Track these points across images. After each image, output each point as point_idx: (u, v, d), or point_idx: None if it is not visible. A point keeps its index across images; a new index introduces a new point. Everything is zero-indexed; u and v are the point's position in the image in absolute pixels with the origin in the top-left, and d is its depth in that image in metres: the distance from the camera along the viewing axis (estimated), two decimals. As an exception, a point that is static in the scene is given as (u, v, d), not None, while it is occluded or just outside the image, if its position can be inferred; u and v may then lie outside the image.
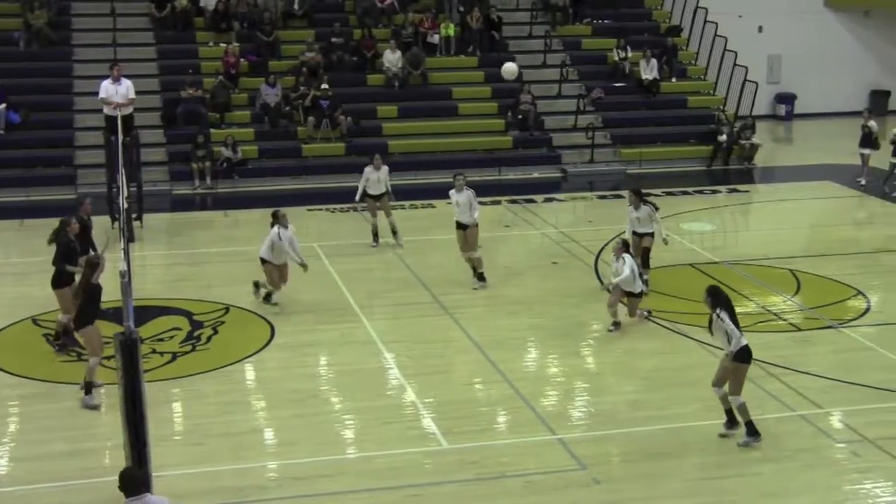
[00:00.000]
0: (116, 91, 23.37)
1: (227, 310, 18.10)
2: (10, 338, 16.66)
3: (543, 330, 17.44)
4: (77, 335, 15.03)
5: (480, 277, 19.20)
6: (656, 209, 18.84)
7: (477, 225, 19.30)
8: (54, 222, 23.86)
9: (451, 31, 32.03)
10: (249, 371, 15.89)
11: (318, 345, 16.75)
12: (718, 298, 13.22)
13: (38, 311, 17.76)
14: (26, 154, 27.45)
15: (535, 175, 29.14)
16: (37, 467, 12.79)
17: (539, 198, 26.60)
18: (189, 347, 16.49)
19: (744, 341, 13.09)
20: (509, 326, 17.50)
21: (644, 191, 19.59)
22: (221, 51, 30.10)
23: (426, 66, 31.12)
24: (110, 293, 16.09)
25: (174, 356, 16.17)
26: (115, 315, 15.40)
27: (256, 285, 18.36)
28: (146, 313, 17.07)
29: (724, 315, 13.01)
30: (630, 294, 17.14)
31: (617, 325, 17.11)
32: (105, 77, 23.95)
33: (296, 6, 32.09)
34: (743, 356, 13.09)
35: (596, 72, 32.51)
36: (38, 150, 27.72)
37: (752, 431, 13.23)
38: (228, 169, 27.34)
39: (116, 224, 21.82)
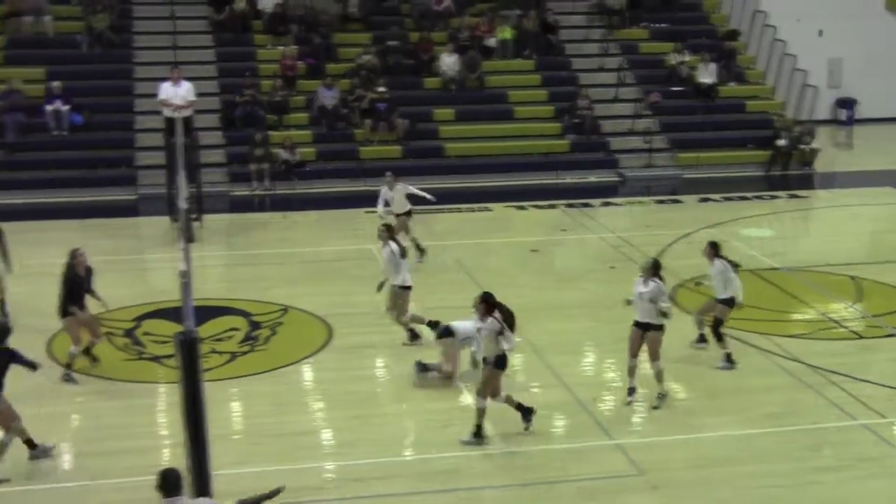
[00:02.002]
0: (176, 93, 23.60)
1: (285, 311, 18.20)
2: (64, 337, 16.82)
3: (600, 334, 17.35)
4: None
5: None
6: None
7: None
8: (115, 222, 24.36)
9: (508, 35, 31.99)
10: (307, 372, 15.96)
11: (376, 347, 16.78)
12: None
13: (99, 310, 17.93)
14: (88, 155, 27.78)
15: (592, 179, 29.04)
16: (97, 463, 12.93)
17: (596, 202, 26.50)
18: (247, 348, 16.60)
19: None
20: (566, 330, 17.45)
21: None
22: (279, 53, 30.30)
23: (483, 70, 31.12)
24: (171, 293, 16.28)
25: (233, 356, 16.29)
26: (176, 315, 15.55)
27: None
28: (206, 313, 17.17)
29: None
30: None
31: (703, 338, 16.57)
32: (165, 79, 24.20)
33: (353, 9, 32.20)
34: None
35: (653, 76, 32.33)
36: (100, 151, 28.05)
37: None
38: (286, 171, 27.50)
39: (176, 224, 22.04)
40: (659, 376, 14.64)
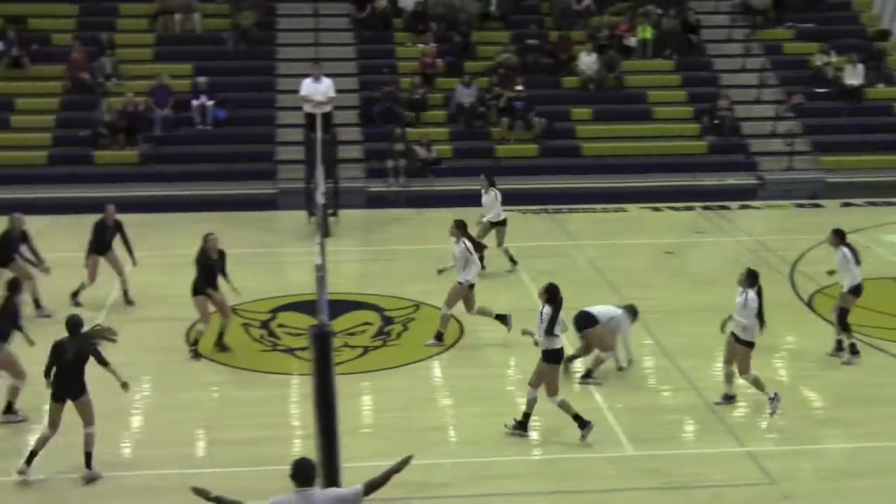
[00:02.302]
0: (317, 89, 23.98)
1: (417, 307, 18.35)
2: (212, 326, 17.23)
3: (735, 339, 17.05)
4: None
5: None
6: None
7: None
8: (255, 216, 24.87)
9: (648, 34, 31.67)
10: (437, 368, 16.07)
11: (506, 345, 16.79)
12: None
13: (237, 301, 18.33)
14: (230, 149, 28.45)
15: (730, 181, 28.57)
16: (231, 451, 13.23)
17: (734, 205, 26.07)
18: (380, 342, 16.79)
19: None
20: (699, 334, 17.16)
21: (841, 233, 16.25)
22: (419, 51, 30.55)
23: (622, 69, 30.88)
24: (306, 286, 16.56)
25: (365, 350, 16.50)
26: (310, 308, 15.84)
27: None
28: (339, 307, 17.42)
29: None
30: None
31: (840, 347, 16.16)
32: (307, 76, 24.62)
33: (493, 8, 32.29)
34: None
35: (797, 77, 31.65)
36: (242, 145, 28.71)
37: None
38: (423, 168, 27.70)
39: (313, 219, 22.41)
40: (755, 384, 14.30)
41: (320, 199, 18.02)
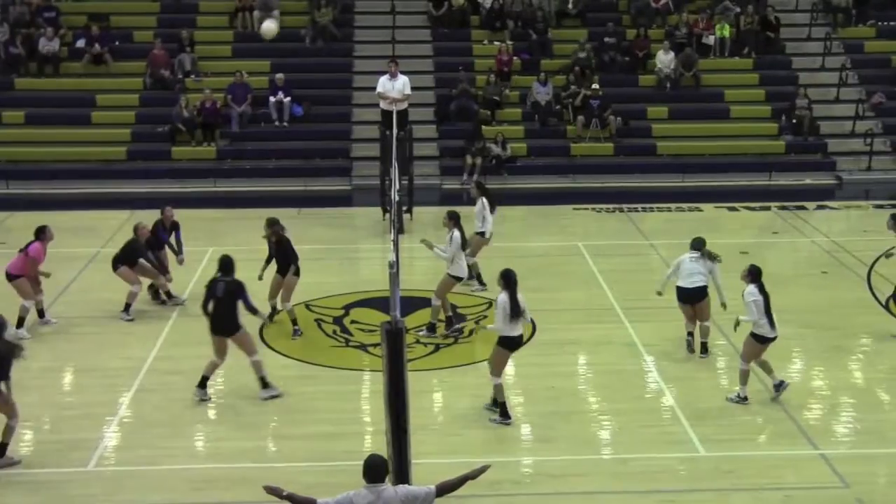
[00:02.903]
0: (393, 86, 24.08)
1: (490, 305, 18.35)
2: (283, 321, 17.43)
3: (809, 341, 16.89)
4: None
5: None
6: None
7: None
8: (329, 212, 25.06)
9: (727, 32, 31.35)
10: (509, 366, 15.99)
11: (579, 343, 16.77)
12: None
13: (310, 297, 18.53)
14: (306, 146, 28.68)
15: (808, 181, 28.19)
16: (302, 446, 13.37)
17: (811, 205, 25.72)
18: (452, 340, 16.83)
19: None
20: (774, 336, 16.99)
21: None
22: (495, 49, 30.56)
23: (699, 68, 30.60)
24: (379, 283, 16.66)
25: (437, 347, 16.56)
26: (383, 304, 15.94)
27: None
28: (412, 304, 17.51)
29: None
30: None
31: None
32: (383, 73, 24.74)
33: (570, 5, 32.20)
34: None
35: (878, 76, 31.12)
36: (318, 141, 28.92)
37: None
38: (497, 165, 27.71)
39: (388, 215, 22.52)
40: (742, 375, 14.59)
41: (395, 195, 18.10)
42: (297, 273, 16.99)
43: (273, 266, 17.24)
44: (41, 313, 17.39)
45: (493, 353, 14.08)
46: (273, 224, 17.12)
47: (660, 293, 16.34)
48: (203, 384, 14.64)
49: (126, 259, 17.76)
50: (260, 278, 17.07)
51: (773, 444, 13.56)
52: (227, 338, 14.51)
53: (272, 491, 9.22)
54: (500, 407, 14.07)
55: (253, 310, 14.71)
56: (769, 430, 13.90)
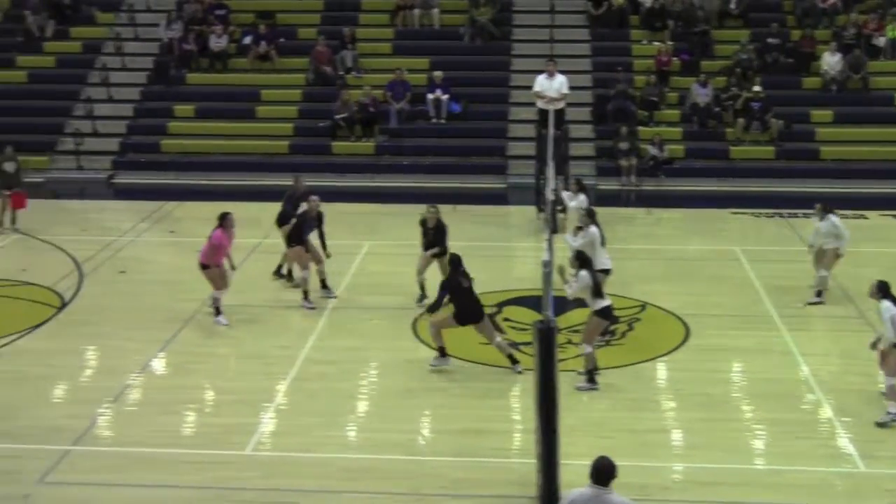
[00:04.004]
0: (550, 86, 24.06)
1: (643, 307, 18.22)
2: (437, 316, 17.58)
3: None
4: None
5: None
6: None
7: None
8: (484, 209, 25.18)
9: (899, 34, 30.40)
10: (661, 370, 15.91)
11: (733, 350, 16.50)
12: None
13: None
14: (463, 143, 28.88)
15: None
16: (451, 441, 13.48)
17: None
18: (603, 342, 16.73)
19: None
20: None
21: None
22: (654, 49, 30.25)
23: (868, 70, 29.70)
24: (533, 281, 16.69)
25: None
26: (536, 303, 15.96)
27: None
28: (565, 304, 17.47)
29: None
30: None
31: None
32: (541, 72, 24.74)
33: (732, 5, 31.65)
34: None
35: None
36: (474, 139, 29.09)
37: None
38: (654, 167, 27.44)
39: (542, 215, 22.52)
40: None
41: (550, 195, 18.11)
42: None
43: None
44: (219, 309, 17.48)
45: (592, 324, 14.91)
46: (437, 210, 17.97)
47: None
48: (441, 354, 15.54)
49: (297, 236, 18.12)
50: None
51: (935, 461, 13.11)
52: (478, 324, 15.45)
53: None
54: (588, 374, 14.83)
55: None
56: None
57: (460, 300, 15.45)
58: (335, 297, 18.50)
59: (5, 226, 22.69)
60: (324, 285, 18.64)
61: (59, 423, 13.80)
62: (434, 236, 17.78)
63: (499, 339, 15.67)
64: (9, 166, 22.88)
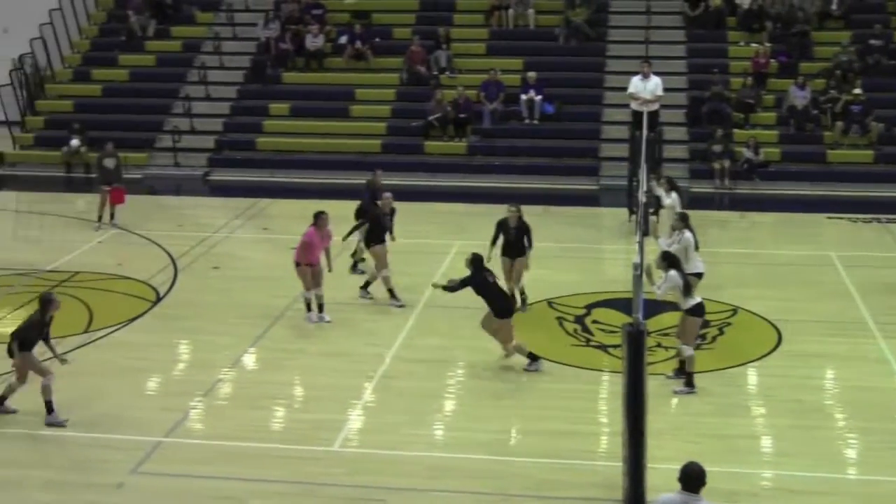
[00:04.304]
0: (645, 87, 23.92)
1: (734, 311, 18.00)
2: (527, 317, 17.59)
3: None
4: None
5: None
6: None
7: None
8: (575, 211, 25.10)
9: None
10: (752, 375, 15.71)
11: (827, 357, 16.23)
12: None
13: (553, 295, 18.65)
14: (555, 144, 28.80)
15: None
16: (537, 442, 13.45)
17: None
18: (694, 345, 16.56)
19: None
20: None
21: None
22: (752, 51, 29.85)
23: (974, 73, 29.00)
24: (623, 284, 16.61)
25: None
26: (626, 306, 15.87)
27: None
28: (655, 307, 17.33)
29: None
30: None
31: None
32: (635, 73, 24.58)
33: (833, 6, 31.09)
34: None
35: None
36: (567, 140, 28.99)
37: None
38: (749, 170, 27.09)
39: (634, 217, 22.37)
40: None
41: (642, 197, 17.98)
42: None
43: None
44: (309, 306, 17.51)
45: (687, 324, 14.69)
46: (520, 209, 17.67)
47: None
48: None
49: (377, 235, 18.27)
50: (488, 260, 16.76)
51: None
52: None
53: None
54: (687, 377, 14.68)
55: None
56: None
57: (490, 295, 15.47)
58: (402, 306, 18.30)
59: (104, 221, 23.19)
60: (392, 294, 18.43)
61: (152, 414, 14.09)
62: (516, 236, 17.54)
63: (515, 343, 15.58)
64: (109, 162, 23.38)
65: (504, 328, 15.45)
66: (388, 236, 18.64)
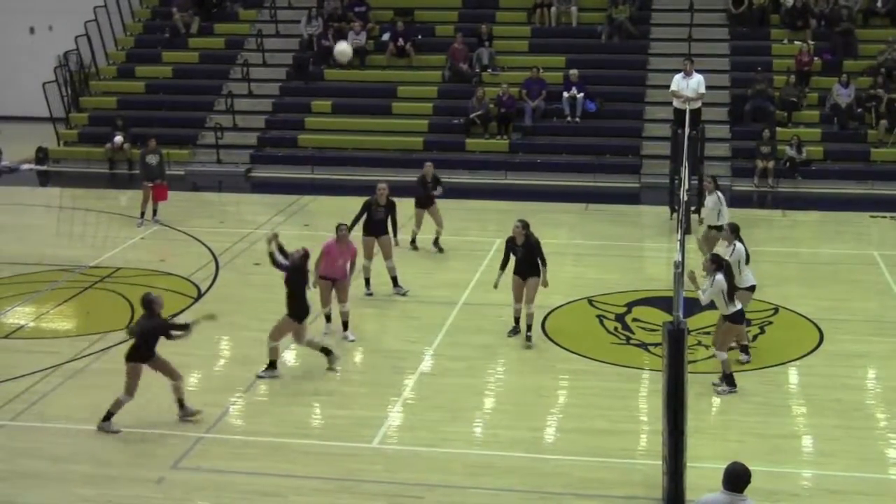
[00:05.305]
0: (687, 85, 23.77)
1: (776, 310, 17.90)
2: (566, 315, 17.59)
3: None
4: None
5: None
6: None
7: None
8: (617, 209, 25.04)
9: None
10: (793, 375, 15.62)
11: (870, 357, 16.10)
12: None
13: (594, 293, 18.61)
14: (597, 142, 28.70)
15: None
16: (576, 440, 13.45)
17: None
18: (735, 344, 16.46)
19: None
20: None
21: None
22: (795, 48, 29.63)
23: None
24: (663, 282, 16.56)
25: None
26: (666, 304, 15.80)
27: None
28: (694, 305, 17.26)
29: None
30: None
31: None
32: (678, 71, 24.47)
33: (878, 4, 30.79)
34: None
35: None
36: (608, 138, 28.90)
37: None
38: (791, 168, 26.89)
39: (675, 215, 22.28)
40: None
41: (684, 195, 17.89)
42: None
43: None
44: (328, 318, 17.12)
45: (725, 330, 14.70)
46: (526, 226, 16.48)
47: None
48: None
49: (365, 226, 18.62)
50: (495, 287, 16.68)
51: None
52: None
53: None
54: (727, 378, 14.64)
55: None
56: None
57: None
58: (405, 294, 18.59)
59: (147, 217, 23.38)
60: (395, 283, 18.69)
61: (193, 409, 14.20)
62: (524, 254, 16.38)
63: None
64: (152, 159, 23.54)
65: None
66: (390, 230, 18.81)
